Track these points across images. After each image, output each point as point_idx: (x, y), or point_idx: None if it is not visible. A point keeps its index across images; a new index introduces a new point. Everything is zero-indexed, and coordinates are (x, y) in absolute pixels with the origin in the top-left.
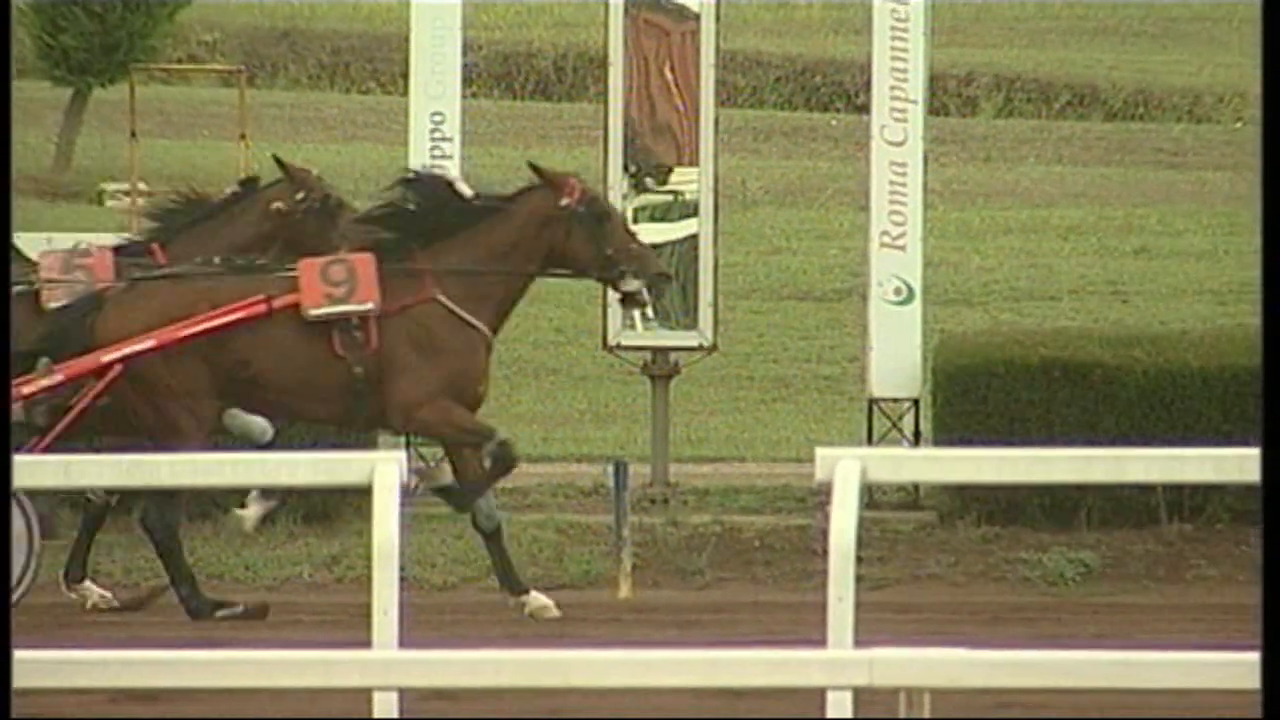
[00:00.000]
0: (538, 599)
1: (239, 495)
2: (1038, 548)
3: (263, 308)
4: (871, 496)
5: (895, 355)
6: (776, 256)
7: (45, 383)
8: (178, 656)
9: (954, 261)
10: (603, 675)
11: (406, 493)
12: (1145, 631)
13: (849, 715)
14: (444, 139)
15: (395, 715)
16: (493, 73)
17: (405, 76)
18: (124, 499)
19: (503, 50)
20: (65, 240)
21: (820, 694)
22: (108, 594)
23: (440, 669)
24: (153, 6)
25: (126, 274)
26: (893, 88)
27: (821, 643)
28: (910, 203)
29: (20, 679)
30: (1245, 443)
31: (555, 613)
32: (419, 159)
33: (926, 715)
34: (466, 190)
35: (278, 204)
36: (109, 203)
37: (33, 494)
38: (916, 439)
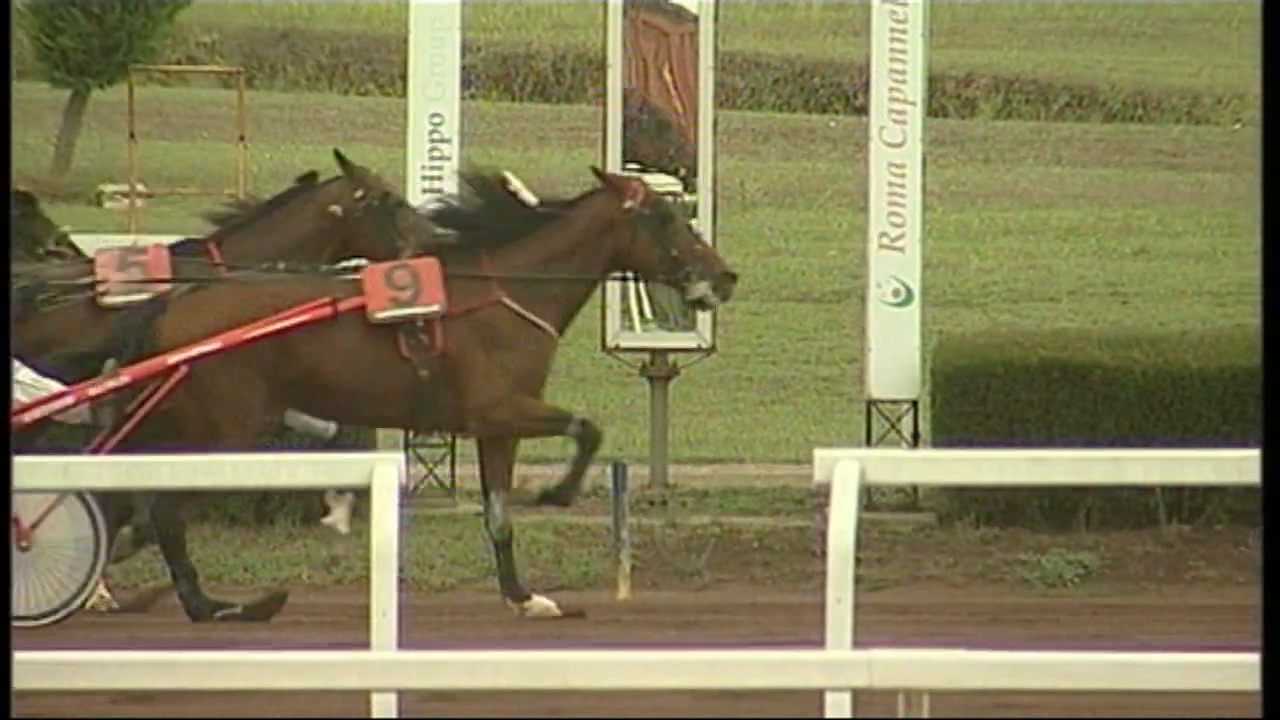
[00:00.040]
0: (540, 603)
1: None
2: (1037, 549)
3: (328, 310)
4: (870, 498)
5: (894, 356)
6: (775, 258)
7: (112, 385)
8: (177, 658)
9: (953, 263)
10: (601, 676)
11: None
12: (1144, 632)
13: (848, 716)
14: (442, 140)
15: (394, 716)
16: (491, 74)
17: (404, 78)
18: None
19: (501, 52)
20: (121, 240)
21: (819, 695)
22: (107, 595)
23: (439, 670)
24: (151, 8)
25: (182, 272)
26: (891, 89)
27: (820, 644)
28: (909, 204)
29: (20, 680)
30: (1244, 444)
31: (557, 613)
32: (417, 160)
33: (925, 716)
34: (530, 197)
35: (335, 207)
36: (108, 204)
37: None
38: (915, 440)
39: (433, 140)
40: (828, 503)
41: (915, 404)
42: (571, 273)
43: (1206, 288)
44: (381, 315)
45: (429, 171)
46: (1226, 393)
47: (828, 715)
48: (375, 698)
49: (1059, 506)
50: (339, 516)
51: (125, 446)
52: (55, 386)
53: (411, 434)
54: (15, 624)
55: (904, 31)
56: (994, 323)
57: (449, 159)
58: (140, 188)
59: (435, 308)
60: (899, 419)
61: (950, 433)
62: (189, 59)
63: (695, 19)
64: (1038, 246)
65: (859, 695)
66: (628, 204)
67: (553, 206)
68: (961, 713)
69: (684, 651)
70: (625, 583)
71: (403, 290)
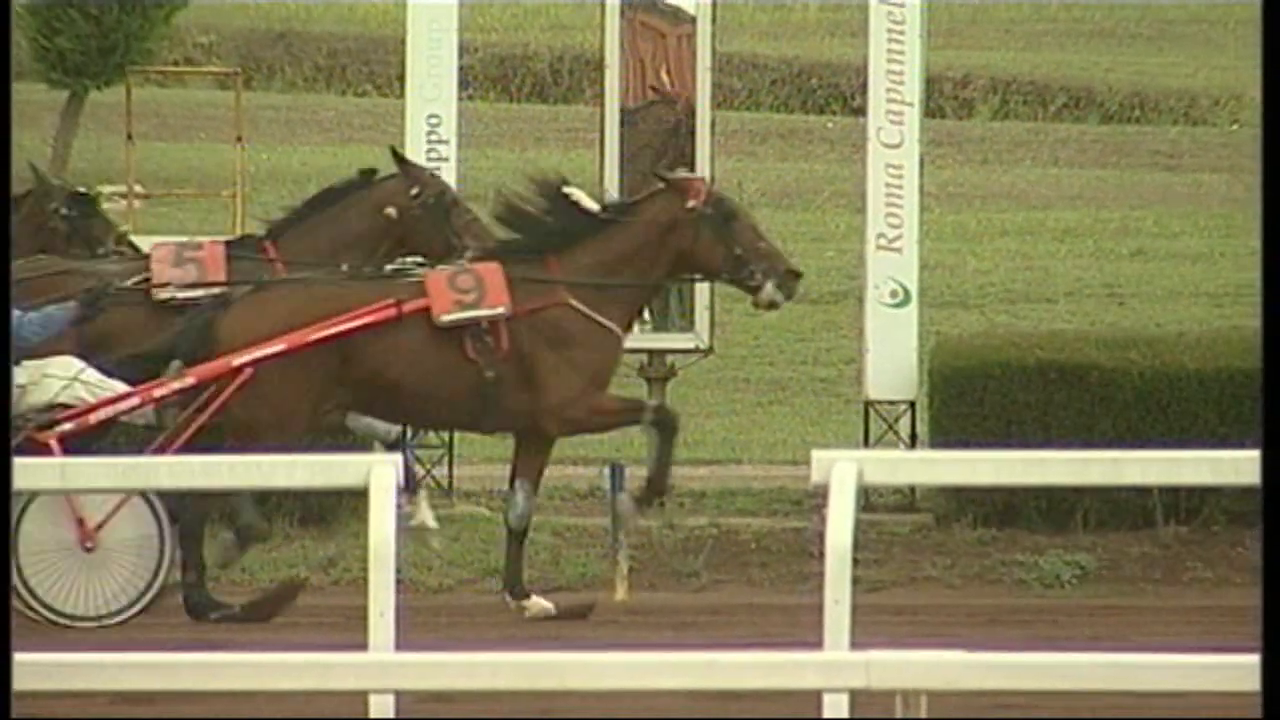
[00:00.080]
0: (538, 603)
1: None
2: (1034, 550)
3: (392, 312)
4: (868, 499)
5: (891, 357)
6: None
7: (177, 385)
8: (176, 659)
9: (950, 264)
10: (599, 677)
11: (402, 494)
12: (1141, 634)
13: (845, 717)
14: (440, 141)
15: (392, 717)
16: (489, 75)
17: (401, 79)
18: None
19: (499, 52)
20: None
21: (816, 696)
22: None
23: (437, 671)
24: (149, 9)
25: (238, 269)
26: (889, 90)
27: (818, 645)
28: (906, 205)
29: (20, 681)
30: (1242, 445)
31: (554, 612)
32: (415, 160)
33: (923, 717)
34: (591, 204)
35: (390, 209)
36: (105, 205)
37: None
38: (913, 441)
39: (430, 141)
40: (825, 504)
41: (913, 405)
42: (635, 274)
43: (1204, 289)
44: (447, 318)
45: None
46: (1224, 393)
47: (825, 716)
48: (373, 699)
49: (1056, 507)
50: (424, 515)
51: (188, 448)
52: (120, 387)
53: (409, 434)
54: (80, 624)
55: (901, 32)
56: (991, 324)
57: (446, 160)
58: (138, 189)
59: (501, 310)
60: (896, 420)
61: (948, 434)
62: (186, 60)
63: (693, 20)
64: (1035, 247)
65: (856, 696)
66: (690, 203)
67: (615, 209)
68: (959, 713)
69: (681, 653)
70: (623, 584)
71: (467, 294)
